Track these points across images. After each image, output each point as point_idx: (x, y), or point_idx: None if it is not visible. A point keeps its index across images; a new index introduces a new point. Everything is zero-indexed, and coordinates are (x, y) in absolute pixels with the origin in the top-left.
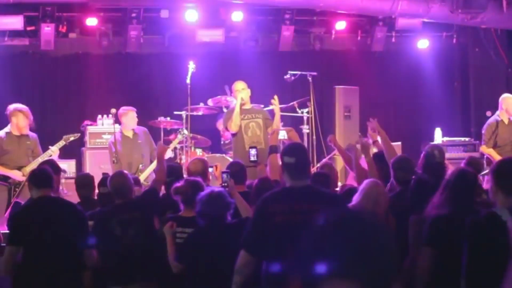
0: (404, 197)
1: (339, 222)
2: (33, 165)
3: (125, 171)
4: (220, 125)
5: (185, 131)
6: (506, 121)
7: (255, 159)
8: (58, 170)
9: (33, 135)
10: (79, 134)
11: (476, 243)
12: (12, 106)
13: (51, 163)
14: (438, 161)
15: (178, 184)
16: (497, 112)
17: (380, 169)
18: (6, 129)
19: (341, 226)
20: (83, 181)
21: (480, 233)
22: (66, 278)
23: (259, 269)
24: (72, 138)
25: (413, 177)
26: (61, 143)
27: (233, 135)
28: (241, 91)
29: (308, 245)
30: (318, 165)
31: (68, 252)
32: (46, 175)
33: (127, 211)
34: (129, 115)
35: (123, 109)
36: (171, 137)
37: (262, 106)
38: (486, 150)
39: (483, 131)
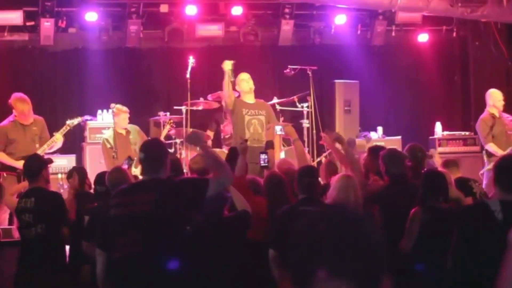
0: (394, 191)
1: (330, 222)
2: (40, 153)
3: (124, 167)
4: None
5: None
6: (497, 115)
7: (266, 164)
8: (44, 163)
9: (38, 119)
10: (81, 118)
11: (464, 229)
12: (12, 97)
13: (37, 157)
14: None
15: None
16: (487, 108)
17: (375, 163)
18: (11, 118)
19: (332, 226)
20: None
21: (470, 220)
22: None
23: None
24: (75, 122)
25: (424, 170)
26: (65, 128)
27: (233, 126)
28: (248, 80)
29: (300, 245)
30: (318, 159)
31: None
32: None
33: None
34: (121, 116)
35: (117, 108)
36: (171, 132)
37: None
38: (487, 145)
39: (477, 128)
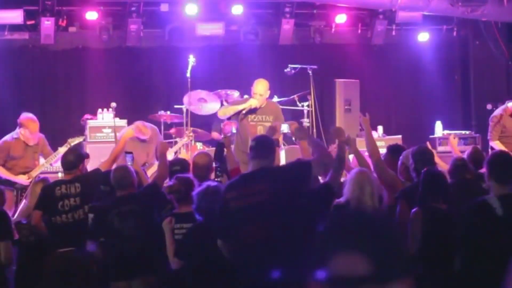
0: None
1: (349, 221)
2: (39, 169)
3: (128, 164)
4: (214, 132)
5: (189, 135)
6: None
7: None
8: (82, 158)
9: (39, 136)
10: (83, 139)
11: (469, 228)
12: (24, 115)
13: (75, 151)
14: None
15: (170, 183)
16: (503, 106)
17: (394, 161)
18: (15, 134)
19: (350, 224)
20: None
21: (472, 219)
22: None
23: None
24: (76, 141)
25: (424, 170)
26: (66, 146)
27: (238, 132)
28: (256, 96)
29: (323, 243)
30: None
31: None
32: None
33: (126, 204)
34: (139, 136)
35: (138, 128)
36: (171, 131)
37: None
38: (492, 142)
39: (489, 122)
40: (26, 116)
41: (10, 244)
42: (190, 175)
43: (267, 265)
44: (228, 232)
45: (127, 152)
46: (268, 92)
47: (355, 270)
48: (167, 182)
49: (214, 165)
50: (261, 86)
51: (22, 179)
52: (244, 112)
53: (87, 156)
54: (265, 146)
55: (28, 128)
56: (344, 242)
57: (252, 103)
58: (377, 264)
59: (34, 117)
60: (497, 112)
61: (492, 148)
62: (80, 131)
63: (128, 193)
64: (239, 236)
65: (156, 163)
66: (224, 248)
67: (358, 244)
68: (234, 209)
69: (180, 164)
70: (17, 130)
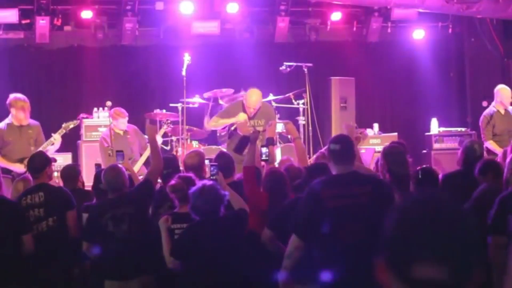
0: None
1: (427, 205)
2: None
3: (119, 165)
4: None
5: (168, 123)
6: (502, 112)
7: (267, 158)
8: (49, 160)
9: (34, 123)
10: (78, 121)
11: None
12: (11, 96)
13: (41, 154)
14: (478, 155)
15: (173, 182)
16: (493, 103)
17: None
18: (7, 120)
19: (428, 209)
20: (68, 173)
21: None
22: (4, 265)
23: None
24: (71, 126)
25: (418, 168)
26: (62, 131)
27: (229, 138)
28: (250, 110)
29: (395, 228)
30: (314, 156)
31: (4, 241)
32: None
33: (120, 206)
34: (119, 121)
35: (115, 112)
36: (168, 130)
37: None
38: (486, 142)
39: (480, 123)
40: (12, 96)
41: (31, 237)
42: (191, 174)
43: (354, 268)
44: (315, 230)
45: (117, 151)
46: (261, 101)
47: (433, 276)
48: (160, 183)
49: (208, 163)
50: (255, 99)
51: (18, 167)
52: (233, 128)
53: (54, 160)
54: (350, 149)
55: (14, 106)
56: (422, 252)
57: (241, 118)
58: (457, 270)
59: (20, 96)
60: (487, 112)
61: (488, 149)
62: (76, 129)
63: (121, 195)
64: (330, 236)
65: (140, 159)
66: (297, 245)
67: (438, 253)
68: (331, 208)
69: (171, 166)
70: (9, 115)
